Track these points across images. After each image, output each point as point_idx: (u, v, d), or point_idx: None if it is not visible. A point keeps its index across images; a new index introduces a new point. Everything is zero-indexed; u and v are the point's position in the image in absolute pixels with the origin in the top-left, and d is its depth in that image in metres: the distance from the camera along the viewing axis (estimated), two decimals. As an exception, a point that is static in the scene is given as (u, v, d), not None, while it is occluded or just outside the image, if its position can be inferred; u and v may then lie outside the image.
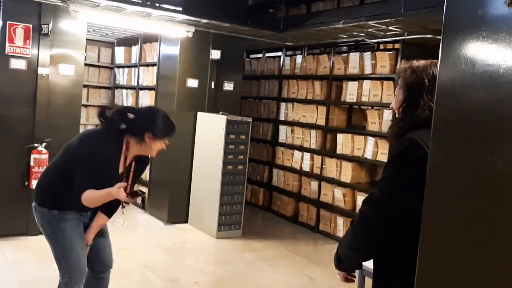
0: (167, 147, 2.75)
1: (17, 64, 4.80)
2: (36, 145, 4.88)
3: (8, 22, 4.70)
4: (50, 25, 4.89)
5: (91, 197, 2.49)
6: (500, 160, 0.68)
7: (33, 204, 2.71)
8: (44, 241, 2.82)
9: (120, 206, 2.65)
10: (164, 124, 2.66)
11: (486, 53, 0.86)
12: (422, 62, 1.78)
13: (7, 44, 4.71)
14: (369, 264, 2.90)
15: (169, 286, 4.16)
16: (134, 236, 5.56)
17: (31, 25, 4.82)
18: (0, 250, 4.57)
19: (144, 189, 6.55)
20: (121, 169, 2.68)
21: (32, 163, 4.84)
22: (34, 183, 4.61)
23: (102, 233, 2.82)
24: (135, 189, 2.68)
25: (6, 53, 4.73)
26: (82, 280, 2.69)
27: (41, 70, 4.90)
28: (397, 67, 4.75)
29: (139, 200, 2.70)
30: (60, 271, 2.66)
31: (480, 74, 0.83)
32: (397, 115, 1.81)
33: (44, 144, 4.89)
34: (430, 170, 0.96)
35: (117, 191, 2.41)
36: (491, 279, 0.83)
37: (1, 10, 4.73)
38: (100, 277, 2.84)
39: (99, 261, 2.82)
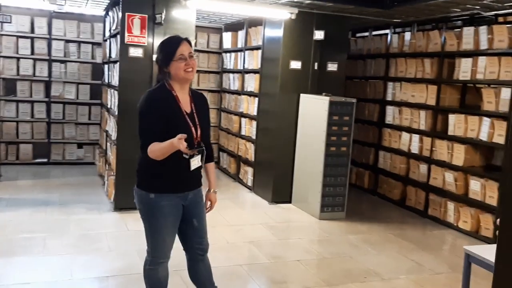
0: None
1: (135, 52, 5.22)
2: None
3: (126, 14, 5.12)
4: (163, 14, 5.22)
5: (155, 149, 2.54)
6: None
7: (134, 186, 2.79)
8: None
9: (184, 155, 2.57)
10: (165, 46, 2.71)
11: None
12: None
13: (126, 34, 5.14)
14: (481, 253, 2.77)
15: (272, 262, 4.30)
16: (240, 214, 5.83)
17: (146, 15, 5.20)
18: (123, 221, 5.07)
19: (249, 169, 6.79)
20: (186, 113, 2.69)
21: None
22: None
23: (198, 220, 2.85)
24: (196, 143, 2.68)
25: (125, 42, 5.16)
26: (165, 261, 2.82)
27: (156, 57, 5.26)
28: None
29: (196, 161, 2.67)
30: (148, 249, 2.83)
31: None
32: None
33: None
34: None
35: (178, 141, 2.40)
36: None
37: (121, 3, 5.17)
38: (200, 259, 2.91)
39: (197, 246, 2.88)
